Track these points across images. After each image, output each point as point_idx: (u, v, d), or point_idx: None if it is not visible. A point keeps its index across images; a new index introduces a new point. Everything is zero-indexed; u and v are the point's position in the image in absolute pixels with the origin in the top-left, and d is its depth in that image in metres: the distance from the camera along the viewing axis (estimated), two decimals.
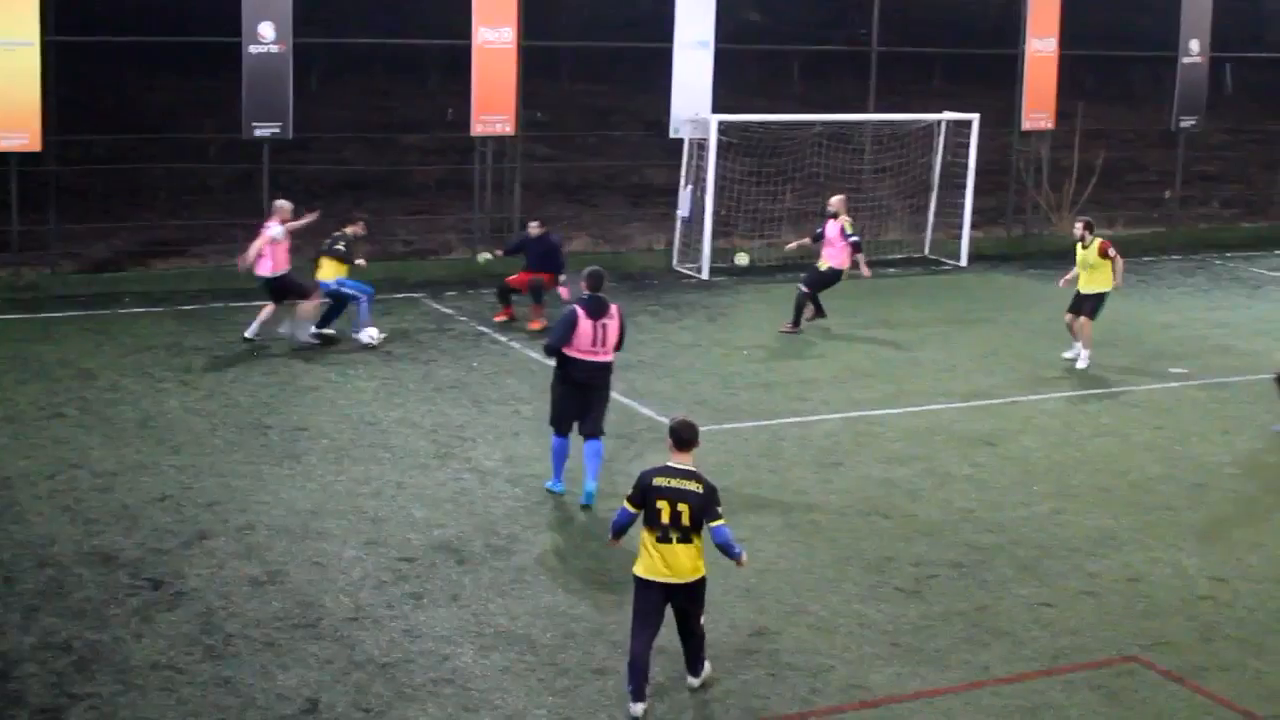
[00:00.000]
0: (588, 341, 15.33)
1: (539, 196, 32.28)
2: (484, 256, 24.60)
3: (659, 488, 11.27)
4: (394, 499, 15.72)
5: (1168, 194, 36.01)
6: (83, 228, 26.91)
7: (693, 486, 11.26)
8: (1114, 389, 20.88)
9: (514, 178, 28.28)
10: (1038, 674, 12.36)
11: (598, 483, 15.71)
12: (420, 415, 18.63)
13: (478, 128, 27.05)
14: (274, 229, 21.37)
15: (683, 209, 28.14)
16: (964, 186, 29.65)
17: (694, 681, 11.89)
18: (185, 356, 20.98)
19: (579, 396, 15.58)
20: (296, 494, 15.76)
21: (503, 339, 22.40)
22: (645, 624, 11.43)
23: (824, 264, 23.57)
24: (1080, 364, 21.49)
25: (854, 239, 23.47)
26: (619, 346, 15.69)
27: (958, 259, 29.64)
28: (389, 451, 17.22)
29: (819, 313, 23.67)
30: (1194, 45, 33.12)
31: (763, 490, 16.36)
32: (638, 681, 11.39)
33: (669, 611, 11.60)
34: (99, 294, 24.58)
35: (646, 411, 19.03)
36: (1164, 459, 18.07)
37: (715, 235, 27.89)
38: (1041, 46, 31.48)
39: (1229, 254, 32.51)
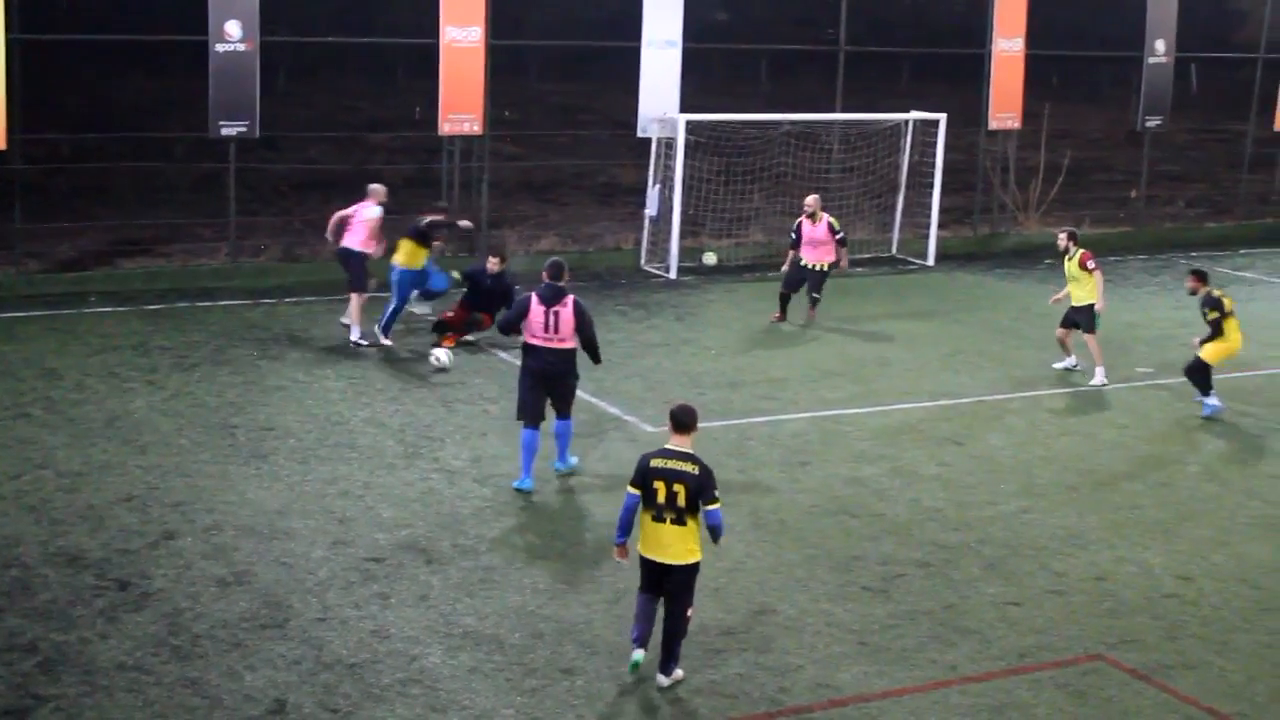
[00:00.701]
0: (540, 328, 15.83)
1: (506, 196, 32.26)
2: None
3: (656, 469, 11.65)
4: (361, 499, 15.69)
5: (1133, 194, 36.17)
6: (48, 227, 26.76)
7: (689, 468, 11.60)
8: (1080, 388, 20.95)
9: (482, 177, 28.23)
10: (1004, 672, 12.41)
11: (567, 460, 16.64)
12: (388, 415, 18.60)
13: (445, 127, 26.99)
14: (371, 209, 22.10)
15: (650, 208, 28.14)
16: (931, 186, 29.72)
17: (662, 680, 11.95)
18: (151, 356, 20.90)
19: (540, 386, 16.05)
20: (263, 494, 15.72)
21: (471, 338, 22.34)
22: (648, 595, 11.96)
23: (820, 263, 23.88)
24: (1095, 380, 21.01)
25: (841, 235, 24.21)
26: (588, 338, 16.08)
27: (925, 258, 29.72)
28: (356, 451, 17.19)
29: (784, 315, 23.89)
30: (1160, 45, 33.25)
31: (730, 490, 16.32)
32: (640, 630, 11.95)
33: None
34: (65, 293, 24.46)
35: (614, 411, 19.04)
36: (1130, 458, 18.15)
37: (683, 235, 27.90)
38: (1008, 46, 31.56)
39: (1194, 253, 32.65)
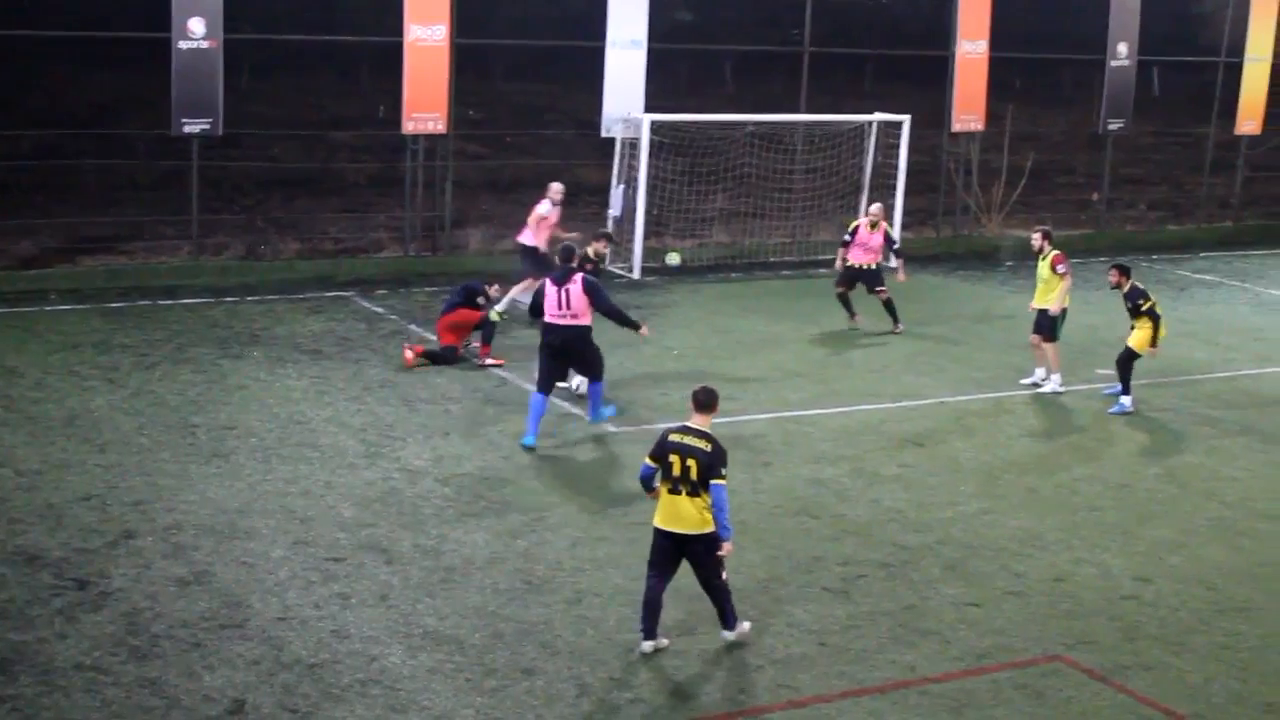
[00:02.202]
0: (554, 305, 17.37)
1: (470, 195, 32.22)
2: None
3: (673, 443, 12.37)
4: (322, 498, 15.66)
5: (1095, 196, 36.32)
6: (9, 224, 26.64)
7: (702, 445, 12.29)
8: (1041, 390, 21.02)
9: (445, 176, 28.20)
10: (964, 673, 12.46)
11: (601, 412, 18.11)
12: (349, 414, 18.56)
13: (409, 125, 26.95)
14: (541, 206, 23.28)
15: (614, 208, 28.15)
16: (894, 187, 29.79)
17: (727, 635, 12.64)
18: (112, 354, 20.81)
19: (555, 359, 17.60)
20: (224, 493, 15.67)
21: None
22: (658, 571, 12.49)
23: (869, 263, 24.18)
24: (1047, 387, 20.96)
25: (898, 246, 24.99)
26: (607, 309, 17.57)
27: (887, 260, 29.76)
28: (318, 450, 17.15)
29: (852, 313, 24.39)
30: (1122, 48, 33.42)
31: None
32: (648, 622, 12.46)
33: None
34: (25, 291, 24.34)
35: (576, 411, 19.03)
36: (1089, 460, 18.24)
37: (646, 235, 27.92)
38: (972, 49, 31.68)
39: (1155, 256, 32.83)
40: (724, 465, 12.30)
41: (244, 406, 18.69)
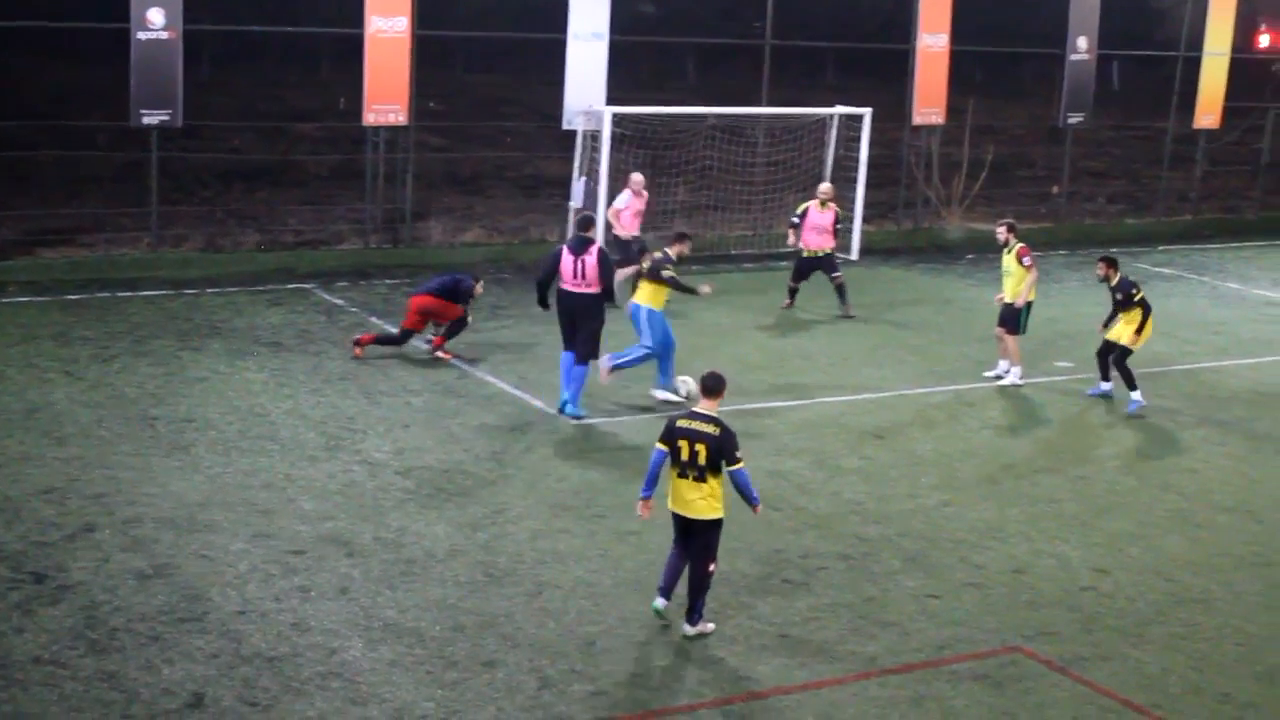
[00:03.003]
0: (570, 274, 18.18)
1: (432, 187, 32.17)
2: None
3: (681, 429, 12.64)
4: (283, 491, 15.62)
5: (1055, 190, 36.47)
6: None
7: (710, 429, 12.55)
8: (1002, 383, 21.10)
9: (406, 168, 28.14)
10: (923, 665, 12.51)
11: (576, 401, 18.43)
12: (310, 407, 18.51)
13: (370, 117, 26.87)
14: (619, 198, 24.52)
15: (575, 200, 28.12)
16: (855, 180, 29.85)
17: (687, 629, 12.76)
18: (71, 347, 20.70)
19: (568, 322, 18.39)
20: (184, 486, 15.61)
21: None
22: (678, 548, 12.91)
23: (823, 249, 24.71)
24: (1008, 380, 20.99)
25: (840, 226, 25.54)
26: (607, 286, 18.31)
27: (848, 252, 29.84)
28: (278, 443, 17.10)
29: (792, 303, 25.02)
30: (1082, 42, 33.54)
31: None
32: (666, 581, 12.87)
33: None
34: None
35: (537, 404, 19.03)
36: (1048, 451, 18.33)
37: (608, 227, 27.87)
38: (932, 42, 31.76)
39: (1114, 249, 32.87)
40: (737, 448, 12.56)
41: (204, 399, 18.62)
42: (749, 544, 14.76)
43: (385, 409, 18.57)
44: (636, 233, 24.48)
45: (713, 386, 12.89)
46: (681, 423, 12.69)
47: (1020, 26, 44.94)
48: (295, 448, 16.97)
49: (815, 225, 24.65)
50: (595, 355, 18.58)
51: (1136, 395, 20.02)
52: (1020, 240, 21.03)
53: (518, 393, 19.40)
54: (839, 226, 25.44)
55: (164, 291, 24.26)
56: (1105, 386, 20.55)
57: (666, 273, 19.09)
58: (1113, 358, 20.25)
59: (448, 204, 32.12)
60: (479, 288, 21.27)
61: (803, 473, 16.96)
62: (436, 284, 21.11)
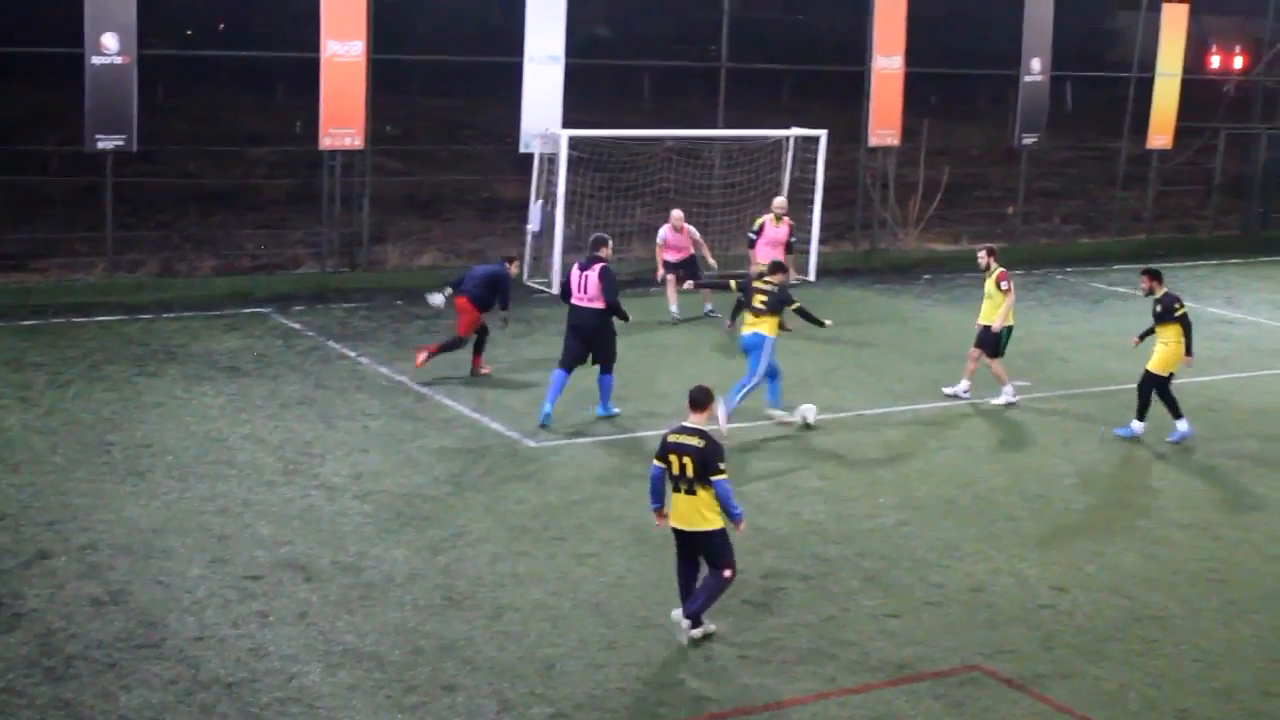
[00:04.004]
0: (577, 288, 19.30)
1: (389, 210, 32.13)
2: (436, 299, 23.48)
3: (671, 444, 12.99)
4: (240, 516, 15.54)
5: (1010, 210, 36.66)
6: None
7: (694, 442, 12.86)
8: (958, 401, 21.18)
9: (363, 191, 28.09)
10: (883, 684, 12.52)
11: (608, 407, 19.58)
12: (267, 431, 18.44)
13: (326, 141, 26.83)
14: (660, 233, 25.80)
15: (533, 224, 28.13)
16: (812, 202, 29.93)
17: (685, 626, 12.99)
18: (25, 373, 20.57)
19: (574, 337, 19.30)
20: (140, 512, 15.52)
21: (351, 354, 22.24)
22: (681, 566, 13.17)
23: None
24: (1000, 400, 21.04)
25: (795, 240, 25.96)
26: (611, 301, 19.15)
27: (806, 273, 29.91)
28: (235, 468, 17.02)
29: (734, 324, 24.43)
30: (1035, 64, 33.74)
31: (612, 504, 16.40)
32: (684, 596, 13.14)
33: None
34: None
35: (496, 426, 19.01)
36: (1006, 470, 18.39)
37: (565, 250, 27.88)
38: (887, 64, 31.90)
39: (1070, 269, 33.17)
40: (719, 460, 12.78)
41: (160, 424, 18.53)
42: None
43: (343, 433, 18.51)
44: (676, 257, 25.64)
45: (700, 400, 13.19)
46: (672, 438, 13.00)
47: (974, 48, 45.28)
48: (253, 473, 16.89)
49: (771, 240, 24.82)
50: (613, 361, 19.54)
51: (1182, 425, 19.72)
52: (1000, 265, 21.06)
53: (476, 416, 19.37)
54: (793, 240, 25.64)
55: (119, 317, 24.15)
56: (1136, 428, 19.86)
57: (795, 305, 19.57)
58: (1144, 384, 19.78)
59: (405, 227, 32.08)
60: (513, 268, 21.84)
61: (762, 493, 16.97)
62: (473, 288, 21.18)
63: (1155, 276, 20.12)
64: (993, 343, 20.95)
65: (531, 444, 18.33)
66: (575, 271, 19.42)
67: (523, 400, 20.20)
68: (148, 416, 18.84)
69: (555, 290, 27.36)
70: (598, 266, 19.21)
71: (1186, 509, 17.23)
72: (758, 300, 19.36)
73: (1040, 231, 36.88)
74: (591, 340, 19.34)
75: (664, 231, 25.74)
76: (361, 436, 18.41)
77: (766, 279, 19.67)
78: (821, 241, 30.73)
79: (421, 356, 20.99)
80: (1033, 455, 19.09)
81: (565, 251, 27.78)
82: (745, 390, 19.43)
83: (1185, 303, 20.04)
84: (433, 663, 12.47)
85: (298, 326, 24.03)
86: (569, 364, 19.34)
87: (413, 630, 13.06)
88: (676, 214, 25.81)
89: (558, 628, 13.22)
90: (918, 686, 12.50)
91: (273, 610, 13.32)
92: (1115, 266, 33.55)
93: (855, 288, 29.87)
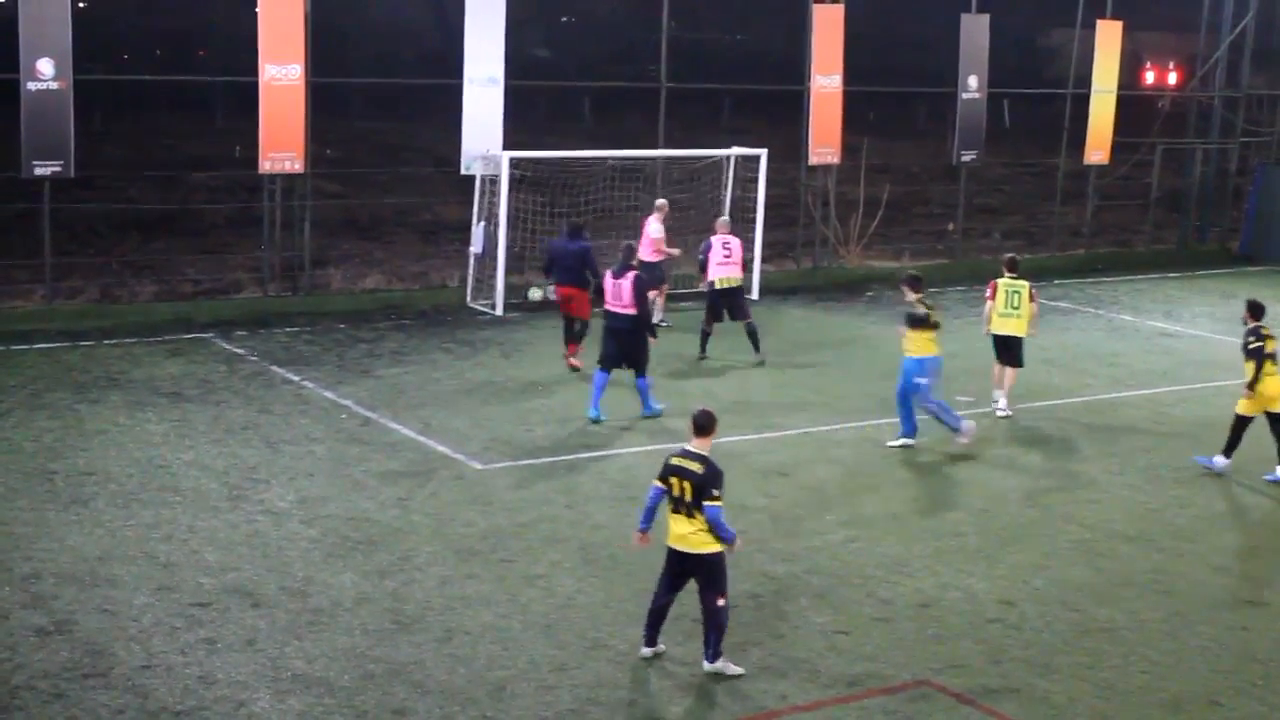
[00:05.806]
0: (610, 294, 20.43)
1: (330, 234, 32.02)
2: (536, 293, 24.73)
3: (673, 466, 13.03)
4: (185, 543, 15.43)
5: (950, 227, 36.87)
6: None
7: (695, 467, 12.89)
8: (1002, 413, 21.15)
9: (304, 215, 27.98)
10: (834, 701, 12.54)
11: (651, 407, 20.62)
12: (211, 457, 18.32)
13: (266, 165, 26.72)
14: (655, 228, 26.18)
15: (475, 245, 28.10)
16: (754, 221, 30.02)
17: (706, 666, 12.91)
18: None
19: (611, 339, 20.44)
20: (84, 540, 15.39)
21: (295, 378, 22.14)
22: (665, 586, 13.15)
23: (731, 278, 24.37)
24: (1001, 411, 21.53)
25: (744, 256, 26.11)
26: (642, 309, 20.29)
27: (749, 292, 29.96)
28: (180, 495, 16.91)
29: (704, 354, 24.71)
30: (973, 81, 33.98)
31: (560, 525, 16.38)
32: (651, 630, 13.16)
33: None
34: None
35: (442, 449, 18.94)
36: (952, 485, 18.47)
37: (508, 271, 27.88)
38: (826, 83, 32.06)
39: None
40: (716, 487, 12.80)
41: (103, 452, 18.38)
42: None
43: (288, 458, 18.41)
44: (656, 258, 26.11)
45: (703, 425, 13.21)
46: (674, 460, 13.04)
47: (912, 67, 45.52)
48: (197, 499, 16.78)
49: (737, 257, 24.61)
50: (646, 364, 20.54)
51: (1219, 457, 19.20)
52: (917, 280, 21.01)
53: (421, 438, 19.31)
54: (746, 257, 25.77)
55: (60, 344, 23.95)
56: (1220, 462, 19.21)
57: (936, 316, 19.82)
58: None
59: (347, 250, 31.99)
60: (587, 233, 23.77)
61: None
62: (561, 270, 23.46)
63: (1251, 310, 19.10)
64: (1021, 353, 21.53)
65: (478, 466, 18.29)
66: (609, 278, 20.49)
67: (467, 422, 20.15)
68: (90, 444, 18.69)
69: (499, 312, 27.40)
70: (629, 276, 20.28)
71: (1130, 521, 17.34)
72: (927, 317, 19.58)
73: (980, 248, 37.09)
74: (624, 343, 20.32)
75: (658, 226, 26.30)
76: (307, 461, 18.32)
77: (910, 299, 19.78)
78: (764, 260, 30.83)
79: (571, 360, 23.11)
80: (977, 470, 19.17)
81: (508, 272, 27.79)
82: (947, 412, 19.86)
83: (1262, 335, 18.78)
84: (383, 687, 12.41)
85: (241, 351, 23.90)
86: (606, 365, 20.47)
87: (362, 655, 13.00)
88: (661, 203, 27.00)
89: (508, 650, 13.18)
90: (868, 702, 12.53)
91: (220, 637, 13.23)
92: (1055, 281, 33.76)
93: (798, 306, 29.96)
